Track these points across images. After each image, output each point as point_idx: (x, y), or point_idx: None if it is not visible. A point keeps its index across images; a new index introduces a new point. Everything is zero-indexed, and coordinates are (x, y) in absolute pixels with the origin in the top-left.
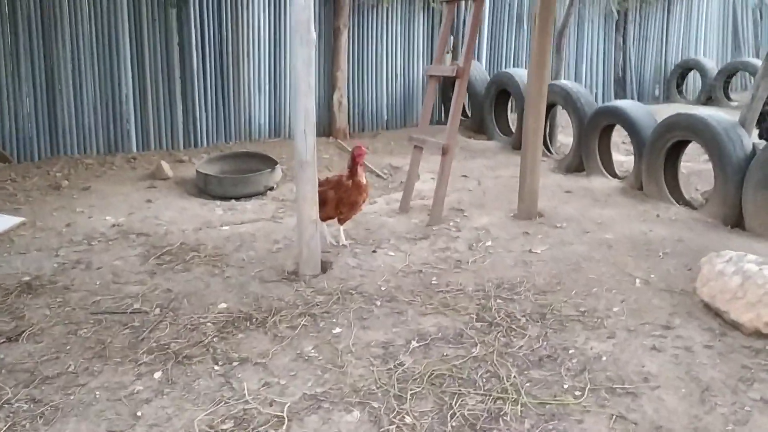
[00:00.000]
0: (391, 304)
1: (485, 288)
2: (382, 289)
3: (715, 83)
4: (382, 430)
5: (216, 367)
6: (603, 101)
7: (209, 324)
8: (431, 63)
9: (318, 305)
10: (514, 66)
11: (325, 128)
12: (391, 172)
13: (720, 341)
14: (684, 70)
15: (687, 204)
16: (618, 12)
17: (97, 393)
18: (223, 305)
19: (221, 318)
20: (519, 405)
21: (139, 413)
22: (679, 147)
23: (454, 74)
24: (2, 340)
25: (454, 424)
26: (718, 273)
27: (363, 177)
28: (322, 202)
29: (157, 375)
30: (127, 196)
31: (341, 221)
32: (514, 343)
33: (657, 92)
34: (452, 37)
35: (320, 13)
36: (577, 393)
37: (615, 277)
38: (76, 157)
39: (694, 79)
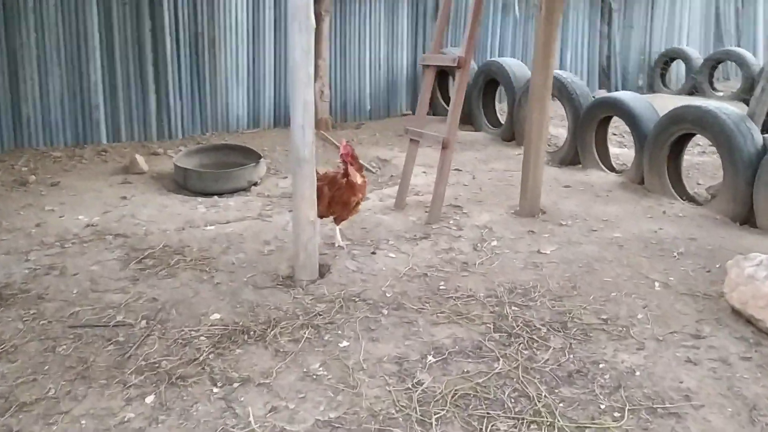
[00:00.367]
0: (399, 313)
1: (497, 293)
2: (387, 295)
3: (699, 73)
4: None
5: (215, 389)
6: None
7: (203, 338)
8: (417, 51)
9: (320, 315)
10: (500, 55)
11: None
12: (379, 165)
13: (757, 352)
14: (668, 59)
15: (691, 199)
16: (603, 0)
17: (83, 422)
18: (216, 316)
19: (215, 331)
20: (556, 430)
21: None
22: (682, 141)
23: (454, 64)
24: None
25: None
26: (748, 277)
27: (357, 177)
28: (317, 198)
29: (149, 399)
30: (100, 193)
31: (338, 221)
32: (538, 357)
33: (641, 82)
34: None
35: None
36: (616, 414)
37: (632, 279)
38: (43, 150)
39: (677, 69)
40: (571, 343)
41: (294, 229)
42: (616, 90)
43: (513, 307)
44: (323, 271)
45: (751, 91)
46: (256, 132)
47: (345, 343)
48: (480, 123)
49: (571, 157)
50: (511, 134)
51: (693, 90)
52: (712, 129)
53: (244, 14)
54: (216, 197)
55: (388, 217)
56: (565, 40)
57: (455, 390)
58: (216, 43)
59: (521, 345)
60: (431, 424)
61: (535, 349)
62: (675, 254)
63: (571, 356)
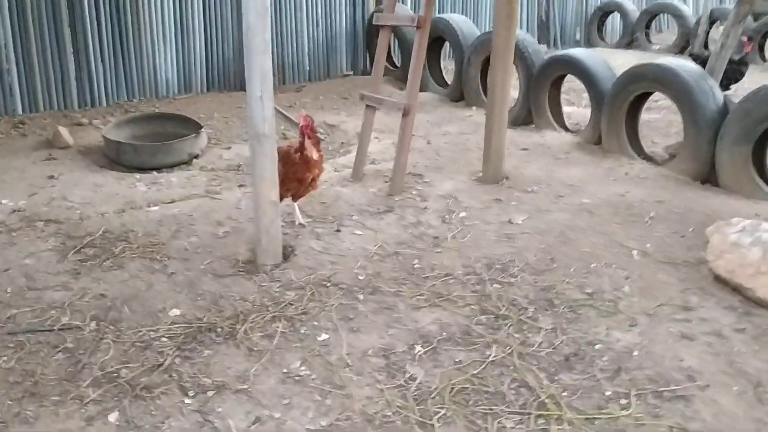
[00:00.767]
0: (376, 297)
1: (475, 270)
2: (360, 278)
3: (636, 26)
4: None
5: (187, 400)
6: None
7: (164, 339)
8: (356, 8)
9: (291, 305)
10: (445, 11)
11: (242, 81)
12: (327, 131)
13: (749, 322)
14: (604, 13)
15: (648, 159)
16: None
17: None
18: (176, 312)
19: (177, 329)
20: (565, 423)
21: None
22: (640, 99)
23: (413, 24)
24: None
25: None
26: (732, 244)
27: (314, 151)
28: None
29: (113, 417)
30: (23, 172)
31: (295, 198)
32: (530, 340)
33: (578, 36)
34: None
35: None
36: (623, 401)
37: (609, 248)
38: None
39: (613, 22)
40: (561, 323)
41: (255, 211)
42: (555, 45)
43: (494, 285)
44: (287, 253)
45: (687, 43)
46: (188, 97)
47: (324, 336)
48: (426, 83)
49: (523, 117)
50: (460, 94)
51: (630, 43)
52: (673, 87)
53: None
54: (155, 173)
55: (347, 190)
56: None
57: (451, 384)
58: (139, 1)
59: (511, 327)
60: (432, 425)
61: (526, 332)
62: (646, 219)
63: (564, 337)
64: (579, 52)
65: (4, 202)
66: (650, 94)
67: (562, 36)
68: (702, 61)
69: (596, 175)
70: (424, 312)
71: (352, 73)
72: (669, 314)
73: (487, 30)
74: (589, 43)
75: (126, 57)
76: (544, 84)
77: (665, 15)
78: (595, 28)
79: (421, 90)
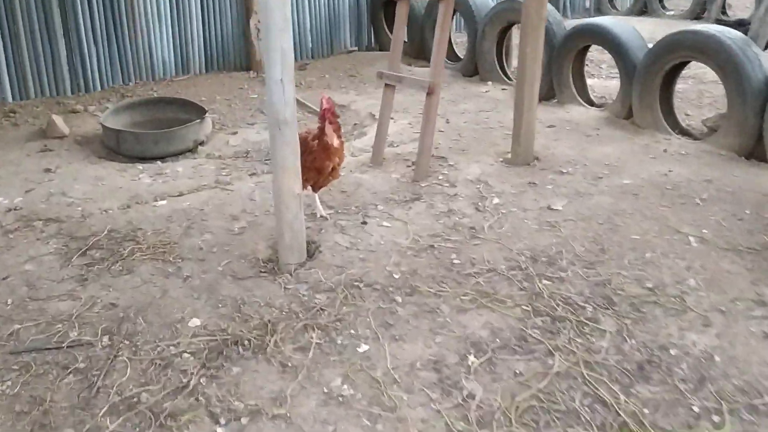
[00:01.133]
0: (416, 299)
1: (520, 264)
2: (395, 276)
3: None
4: None
5: (219, 430)
6: None
7: (186, 354)
8: None
9: (323, 310)
10: None
11: (243, 60)
12: (338, 112)
13: None
14: None
15: (685, 133)
16: None
17: None
18: (196, 322)
19: (199, 343)
20: None
21: None
22: (675, 70)
23: None
24: None
25: None
26: None
27: (333, 138)
28: None
29: None
30: (17, 166)
31: (315, 188)
32: (595, 346)
33: (588, 3)
34: None
35: None
36: (715, 418)
37: (662, 235)
38: None
39: None
40: (626, 324)
41: (276, 205)
42: (565, 13)
43: (544, 281)
44: (311, 250)
45: (703, 9)
46: (187, 79)
47: (364, 347)
48: None
49: (545, 91)
50: (473, 69)
51: (642, 10)
52: (717, 56)
53: None
54: (159, 162)
55: (367, 176)
56: None
57: (516, 402)
58: None
59: (571, 331)
60: None
61: (588, 336)
62: (697, 201)
63: (633, 342)
64: (607, 21)
65: None
66: (685, 64)
67: (572, 3)
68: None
69: (633, 152)
70: (471, 315)
71: (356, 48)
72: (744, 310)
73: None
74: (599, 11)
75: (120, 38)
76: (567, 56)
77: None
78: None
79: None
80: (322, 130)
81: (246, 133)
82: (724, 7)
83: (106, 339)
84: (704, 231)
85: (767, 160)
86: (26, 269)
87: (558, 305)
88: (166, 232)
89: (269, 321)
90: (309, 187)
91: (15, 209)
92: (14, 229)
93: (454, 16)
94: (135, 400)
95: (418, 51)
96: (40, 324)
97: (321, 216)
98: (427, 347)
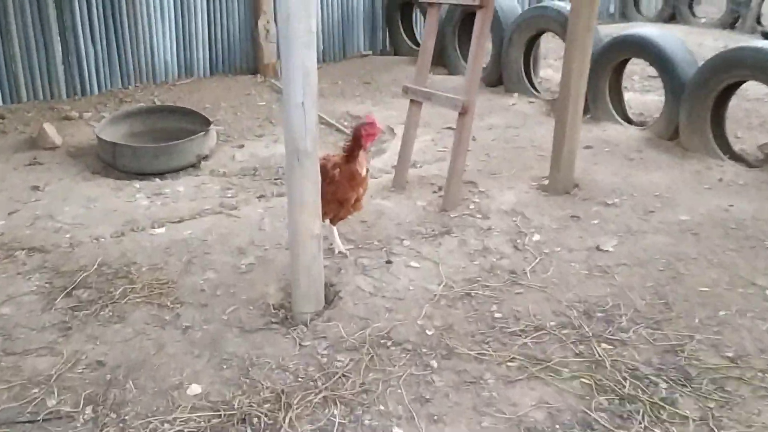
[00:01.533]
0: (454, 363)
1: (572, 320)
2: (428, 332)
3: None
4: None
5: None
6: None
7: None
8: None
9: (345, 377)
10: None
11: (250, 63)
12: (352, 124)
13: None
14: None
15: (737, 159)
16: None
17: None
18: (196, 389)
19: (200, 420)
20: None
21: None
22: (728, 90)
23: (475, 3)
24: None
25: None
26: None
27: (363, 165)
28: None
29: None
30: (2, 182)
31: (334, 221)
32: None
33: (612, 8)
34: None
35: None
36: None
37: (735, 288)
38: None
39: None
40: (710, 409)
41: (292, 247)
42: None
43: (603, 344)
44: (329, 295)
45: (737, 17)
46: (190, 82)
47: (397, 431)
48: (456, 64)
49: None
50: (498, 78)
51: (671, 17)
52: None
53: None
54: (158, 179)
55: (390, 203)
56: None
57: None
58: None
59: (645, 417)
60: None
61: (666, 424)
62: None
63: None
64: (650, 32)
65: None
66: (741, 84)
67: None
68: None
69: (684, 181)
70: (521, 388)
71: (371, 52)
72: None
73: (533, 5)
74: (624, 17)
75: (120, 38)
76: (604, 69)
77: None
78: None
79: (449, 72)
80: (352, 156)
81: (254, 146)
82: (759, 16)
83: (89, 410)
84: None
85: None
86: (2, 313)
87: (625, 379)
88: (164, 267)
89: (282, 391)
90: (327, 220)
91: None
92: None
93: None
94: None
95: (437, 57)
96: (13, 387)
97: (340, 252)
98: None
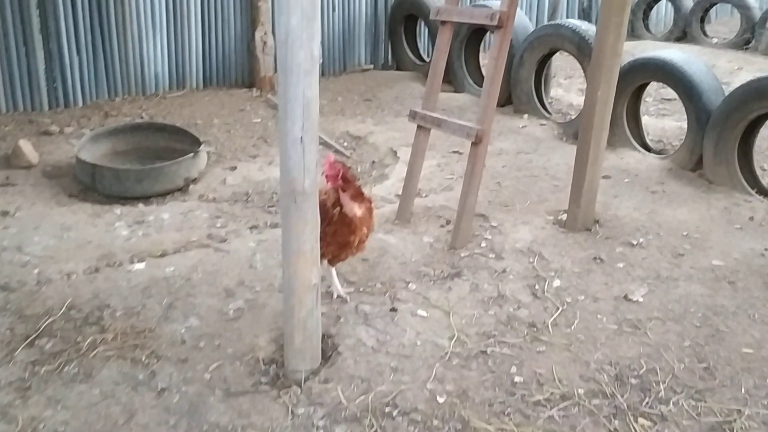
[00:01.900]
0: None
1: (603, 386)
2: (439, 400)
3: (690, 17)
4: None
5: None
6: None
7: None
8: None
9: None
10: None
11: (246, 77)
12: (352, 144)
13: None
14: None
15: (765, 193)
16: None
17: None
18: None
19: None
20: None
21: None
22: (759, 120)
23: (492, 23)
24: None
25: None
26: None
27: (355, 207)
28: None
29: None
30: None
31: (333, 261)
32: None
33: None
34: None
35: None
36: None
37: None
38: None
39: (659, 11)
40: None
41: (286, 299)
42: None
43: (640, 419)
44: (327, 349)
45: (751, 38)
46: (181, 95)
47: None
48: (462, 82)
49: None
50: (506, 98)
51: (682, 36)
52: None
53: None
54: (141, 205)
55: (394, 239)
56: None
57: None
58: None
59: None
60: None
61: None
62: None
63: None
64: (673, 55)
65: None
66: None
67: None
68: None
69: (712, 219)
70: None
71: (372, 66)
72: None
73: (545, 23)
74: (633, 35)
75: (107, 47)
76: (622, 93)
77: (722, 5)
78: (640, 17)
79: (454, 90)
80: (337, 201)
81: (247, 168)
82: None
83: None
84: None
85: None
86: None
87: None
88: (141, 312)
89: None
90: (325, 261)
91: None
92: None
93: (483, 37)
94: None
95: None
96: None
97: (339, 296)
98: None
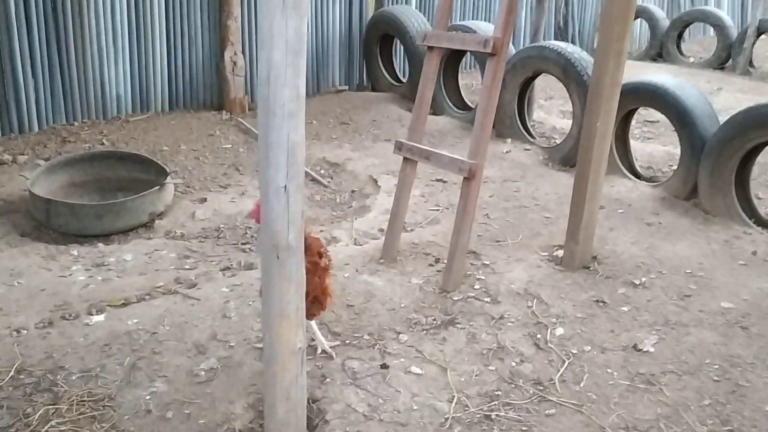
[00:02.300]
0: None
1: None
2: None
3: (666, 36)
4: None
5: None
6: None
7: None
8: (352, 9)
9: None
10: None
11: (215, 99)
12: (330, 172)
13: None
14: None
15: (763, 224)
16: None
17: None
18: None
19: None
20: None
21: None
22: (756, 149)
23: (486, 50)
24: None
25: None
26: None
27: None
28: None
29: None
30: None
31: (310, 316)
32: None
33: (596, 44)
34: None
35: None
36: None
37: None
38: None
39: (635, 30)
40: None
41: (267, 366)
42: None
43: None
44: (313, 418)
45: (728, 57)
46: (146, 118)
47: None
48: (441, 104)
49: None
50: None
51: (658, 55)
52: None
53: None
54: (101, 244)
55: (380, 281)
56: None
57: None
58: None
59: None
60: None
61: None
62: None
63: None
64: (668, 82)
65: None
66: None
67: (581, 44)
68: None
69: (714, 254)
70: None
71: (347, 87)
72: None
73: (526, 45)
74: None
75: (65, 69)
76: None
77: (695, 24)
78: None
79: (434, 113)
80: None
81: (217, 200)
82: (752, 57)
83: None
84: None
85: None
86: None
87: None
88: (100, 374)
89: None
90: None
91: None
92: None
93: (462, 58)
94: None
95: None
96: None
97: (322, 352)
98: None
